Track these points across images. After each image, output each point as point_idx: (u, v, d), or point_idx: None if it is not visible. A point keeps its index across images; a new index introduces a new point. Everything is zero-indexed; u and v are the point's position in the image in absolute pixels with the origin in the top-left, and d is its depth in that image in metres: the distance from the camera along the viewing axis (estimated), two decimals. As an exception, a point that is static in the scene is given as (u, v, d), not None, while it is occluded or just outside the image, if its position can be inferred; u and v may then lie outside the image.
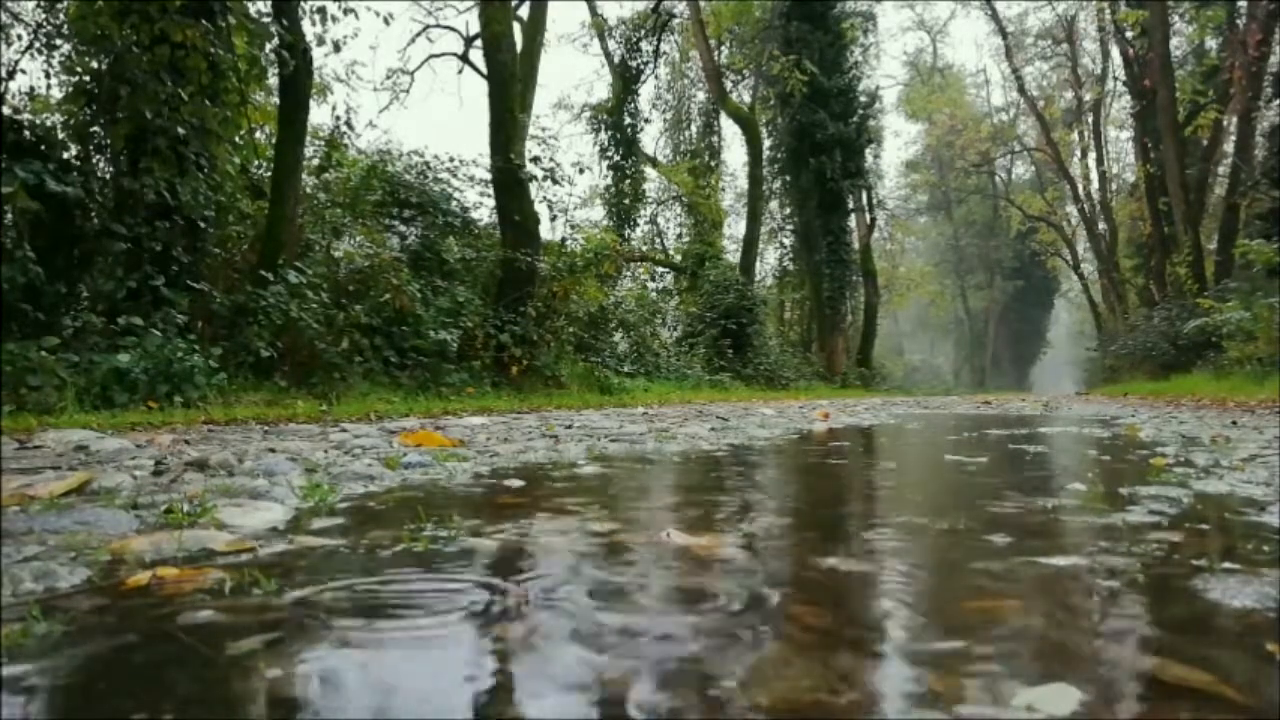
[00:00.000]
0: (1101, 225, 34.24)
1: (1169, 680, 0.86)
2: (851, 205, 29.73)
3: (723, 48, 27.92)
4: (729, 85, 27.98)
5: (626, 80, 26.58)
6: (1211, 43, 24.19)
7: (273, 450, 3.33)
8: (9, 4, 8.25)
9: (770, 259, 32.99)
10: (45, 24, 8.29)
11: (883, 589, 1.26)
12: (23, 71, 8.24)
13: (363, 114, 40.51)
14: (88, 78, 7.84)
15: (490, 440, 4.18)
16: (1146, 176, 25.24)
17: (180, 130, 7.85)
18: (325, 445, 3.70)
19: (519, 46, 14.30)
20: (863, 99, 28.75)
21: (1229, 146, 22.21)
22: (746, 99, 28.53)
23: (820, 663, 0.90)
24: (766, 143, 27.78)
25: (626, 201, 25.91)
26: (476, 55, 17.84)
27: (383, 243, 11.93)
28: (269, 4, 9.46)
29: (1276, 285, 13.80)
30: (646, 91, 31.76)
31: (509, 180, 12.69)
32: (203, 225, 8.17)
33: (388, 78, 21.97)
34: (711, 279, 22.44)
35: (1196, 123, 22.49)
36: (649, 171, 28.49)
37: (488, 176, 13.56)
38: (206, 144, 8.30)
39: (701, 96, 30.47)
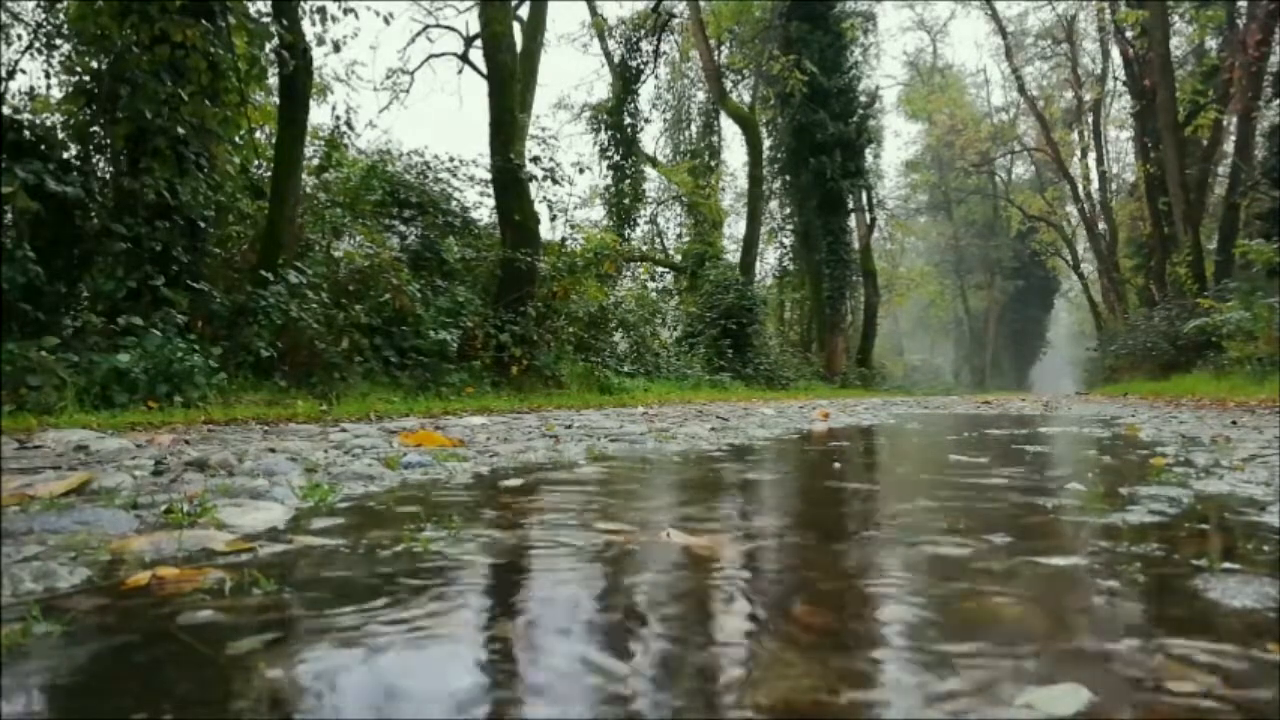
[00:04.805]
0: (1101, 225, 34.23)
1: (1169, 680, 0.86)
2: (851, 205, 29.73)
3: (723, 48, 27.90)
4: (729, 85, 27.96)
5: (626, 80, 26.58)
6: (1211, 43, 24.19)
7: (273, 450, 3.33)
8: (9, 4, 8.25)
9: (770, 259, 33.04)
10: (45, 24, 8.29)
11: (882, 588, 1.26)
12: (23, 71, 8.26)
13: (363, 114, 40.48)
14: (88, 78, 7.84)
15: (490, 440, 4.18)
16: (1146, 176, 25.24)
17: (180, 130, 7.84)
18: (325, 445, 3.69)
19: (519, 46, 14.31)
20: (863, 99, 28.75)
21: (1229, 146, 22.21)
22: (746, 99, 28.51)
23: (820, 662, 0.90)
24: (766, 143, 27.78)
25: (626, 201, 25.90)
26: (476, 55, 17.85)
27: (383, 243, 11.94)
28: (269, 4, 9.46)
29: (1276, 285, 13.80)
30: (646, 91, 31.75)
31: (509, 180, 12.69)
32: (203, 225, 8.17)
33: (388, 78, 21.97)
34: (711, 279, 22.43)
35: (1196, 123, 22.48)
36: (649, 171, 28.49)
37: (488, 176, 13.57)
38: (206, 144, 8.30)
39: (701, 96, 30.48)
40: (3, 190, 6.42)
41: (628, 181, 26.03)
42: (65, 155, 7.56)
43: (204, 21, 7.79)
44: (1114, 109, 35.30)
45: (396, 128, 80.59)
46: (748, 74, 28.88)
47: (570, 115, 29.66)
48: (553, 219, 16.62)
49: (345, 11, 9.55)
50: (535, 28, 15.66)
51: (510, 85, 13.04)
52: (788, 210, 30.67)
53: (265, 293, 8.38)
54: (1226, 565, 1.35)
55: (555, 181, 14.18)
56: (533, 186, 13.43)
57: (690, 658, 0.93)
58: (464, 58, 20.05)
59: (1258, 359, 12.94)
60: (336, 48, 9.53)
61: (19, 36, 8.22)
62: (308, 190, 11.48)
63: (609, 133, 25.97)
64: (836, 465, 3.21)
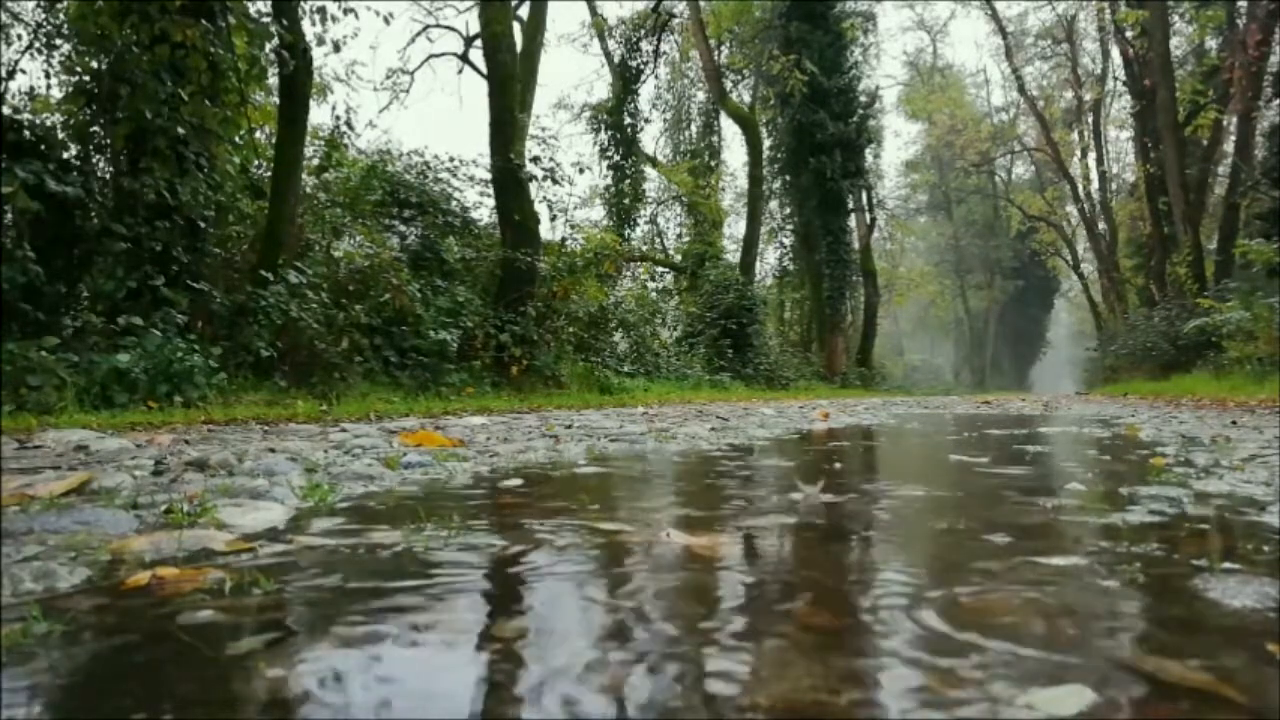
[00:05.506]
0: (1101, 225, 34.23)
1: (1169, 680, 0.86)
2: (851, 205, 29.73)
3: (723, 48, 27.91)
4: (729, 85, 27.97)
5: (626, 80, 26.58)
6: (1211, 43, 24.19)
7: (273, 450, 3.33)
8: (9, 4, 8.25)
9: (770, 259, 33.05)
10: (45, 24, 8.29)
11: (882, 588, 1.26)
12: (23, 71, 8.26)
13: (363, 114, 40.45)
14: (88, 78, 7.84)
15: (490, 440, 4.18)
16: (1146, 176, 25.24)
17: (180, 130, 7.84)
18: (325, 445, 3.69)
19: (519, 46, 14.31)
20: (863, 99, 28.74)
21: (1229, 146, 22.21)
22: (746, 99, 28.52)
23: (820, 662, 0.90)
24: (766, 143, 27.78)
25: (626, 201, 25.91)
26: (476, 55, 17.87)
27: (383, 243, 11.94)
28: (269, 4, 9.46)
29: (1276, 285, 13.80)
30: (646, 91, 31.79)
31: (509, 180, 12.69)
32: (203, 225, 8.17)
33: (388, 78, 22.01)
34: (711, 279, 22.44)
35: (1196, 123, 22.49)
36: (649, 171, 28.50)
37: (488, 176, 13.58)
38: (206, 144, 8.30)
39: (701, 96, 30.49)
40: (3, 190, 6.42)
41: (628, 181, 26.04)
42: (65, 155, 7.57)
43: (204, 21, 7.79)
44: (1114, 109, 35.34)
45: (396, 128, 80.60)
46: (748, 74, 28.89)
47: (570, 115, 29.73)
48: (553, 219, 16.65)
49: (345, 11, 9.56)
50: (535, 28, 15.66)
51: (510, 85, 13.04)
52: (788, 210, 30.66)
53: (265, 293, 8.38)
54: (1226, 565, 1.35)
55: (555, 181, 14.20)
56: (533, 186, 13.45)
57: (691, 657, 0.93)
58: (464, 58, 20.06)
59: (1258, 359, 12.94)
60: (336, 48, 9.53)
61: (19, 36, 8.22)
62: (308, 190, 11.48)
63: (609, 133, 25.97)
64: (837, 465, 3.21)
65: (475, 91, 56.51)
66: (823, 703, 0.80)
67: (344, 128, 13.13)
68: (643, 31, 26.71)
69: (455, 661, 0.92)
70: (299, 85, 9.65)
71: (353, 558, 1.45)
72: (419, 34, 21.66)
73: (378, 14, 11.06)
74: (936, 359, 60.20)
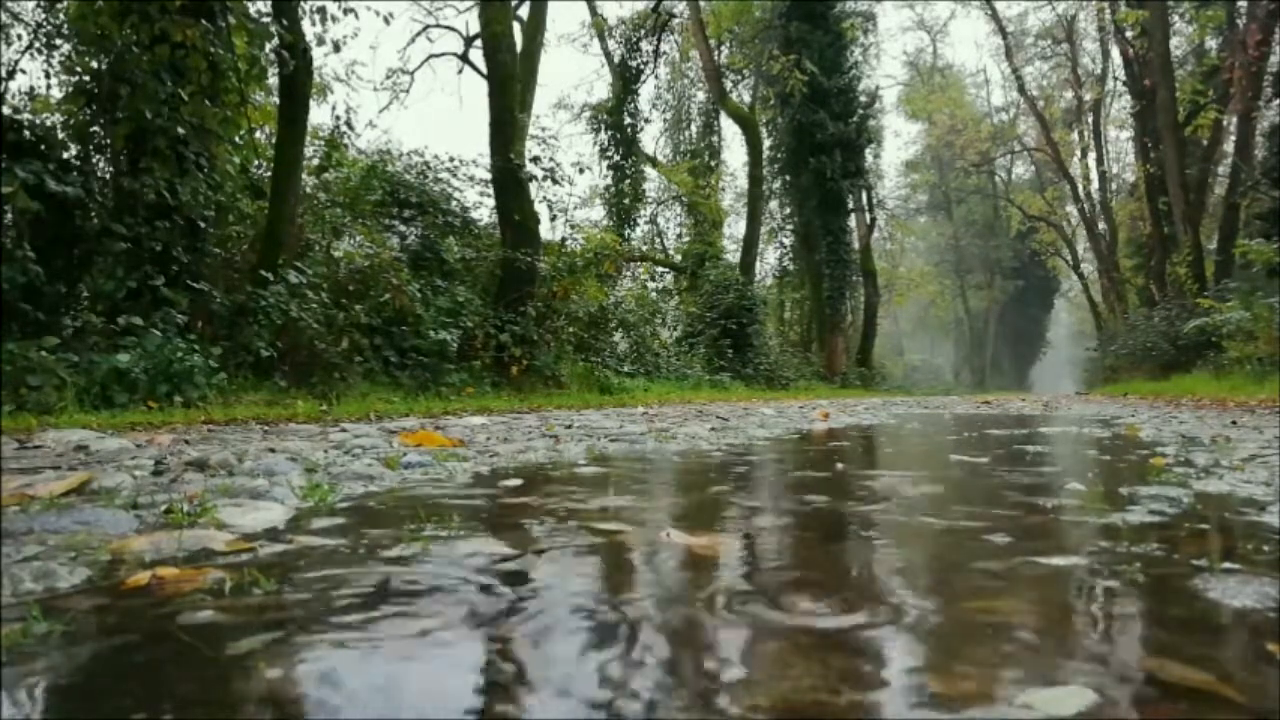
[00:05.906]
0: (1101, 225, 34.23)
1: (1169, 680, 0.86)
2: (851, 205, 29.73)
3: (723, 48, 27.92)
4: (729, 85, 27.97)
5: (626, 80, 26.58)
6: (1211, 43, 24.19)
7: (273, 450, 3.33)
8: (9, 4, 8.25)
9: (770, 259, 33.06)
10: (45, 24, 8.29)
11: (882, 589, 1.26)
12: (23, 71, 8.26)
13: (363, 114, 40.44)
14: (88, 78, 7.84)
15: (490, 440, 4.18)
16: (1146, 176, 25.24)
17: (180, 130, 7.85)
18: (325, 445, 3.69)
19: (519, 46, 14.32)
20: (863, 99, 28.75)
21: (1229, 146, 22.22)
22: (746, 99, 28.53)
23: (820, 661, 0.90)
24: (766, 143, 27.78)
25: (626, 201, 25.91)
26: (476, 55, 17.87)
27: (383, 243, 11.94)
28: (269, 4, 9.46)
29: (1276, 285, 13.80)
30: (646, 91, 31.81)
31: (509, 180, 12.70)
32: (203, 225, 8.17)
33: (388, 78, 22.02)
34: (711, 279, 22.45)
35: (1196, 123, 22.49)
36: (649, 171, 28.50)
37: (488, 176, 13.58)
38: (206, 144, 8.30)
39: (701, 96, 30.50)
40: (3, 190, 6.42)
41: (628, 181, 26.04)
42: (65, 155, 7.57)
43: (204, 21, 7.79)
44: (1114, 109, 35.35)
45: (396, 128, 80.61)
46: (748, 74, 28.90)
47: (570, 115, 29.75)
48: (553, 219, 16.66)
49: (345, 11, 9.55)
50: (535, 28, 15.66)
51: (510, 85, 13.05)
52: (788, 210, 30.67)
53: (265, 293, 8.38)
54: (1226, 565, 1.35)
55: (555, 181, 14.21)
56: (533, 186, 13.45)
57: (691, 658, 0.93)
58: (464, 58, 20.06)
59: (1258, 359, 12.95)
60: (336, 48, 9.53)
61: (19, 36, 8.22)
62: (308, 190, 11.48)
63: (609, 133, 25.98)
64: (838, 466, 3.21)
65: (475, 91, 56.51)
66: (823, 702, 0.80)
67: (344, 128, 13.14)
68: (643, 31, 26.71)
69: (455, 661, 0.92)
70: (299, 85, 9.65)
71: (353, 558, 1.45)
72: (419, 34, 21.69)
73: (378, 14, 11.07)
74: (936, 359, 60.18)
